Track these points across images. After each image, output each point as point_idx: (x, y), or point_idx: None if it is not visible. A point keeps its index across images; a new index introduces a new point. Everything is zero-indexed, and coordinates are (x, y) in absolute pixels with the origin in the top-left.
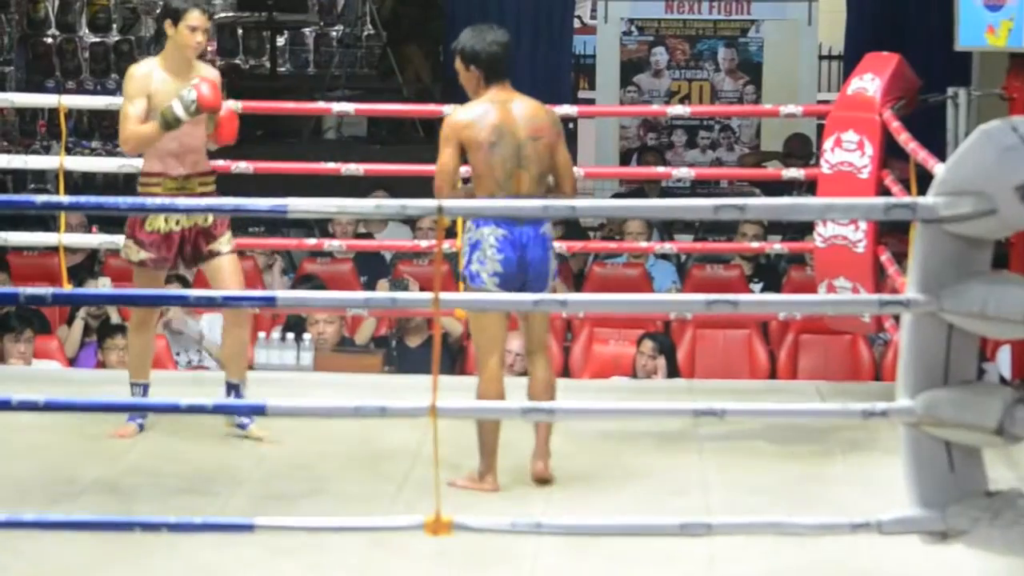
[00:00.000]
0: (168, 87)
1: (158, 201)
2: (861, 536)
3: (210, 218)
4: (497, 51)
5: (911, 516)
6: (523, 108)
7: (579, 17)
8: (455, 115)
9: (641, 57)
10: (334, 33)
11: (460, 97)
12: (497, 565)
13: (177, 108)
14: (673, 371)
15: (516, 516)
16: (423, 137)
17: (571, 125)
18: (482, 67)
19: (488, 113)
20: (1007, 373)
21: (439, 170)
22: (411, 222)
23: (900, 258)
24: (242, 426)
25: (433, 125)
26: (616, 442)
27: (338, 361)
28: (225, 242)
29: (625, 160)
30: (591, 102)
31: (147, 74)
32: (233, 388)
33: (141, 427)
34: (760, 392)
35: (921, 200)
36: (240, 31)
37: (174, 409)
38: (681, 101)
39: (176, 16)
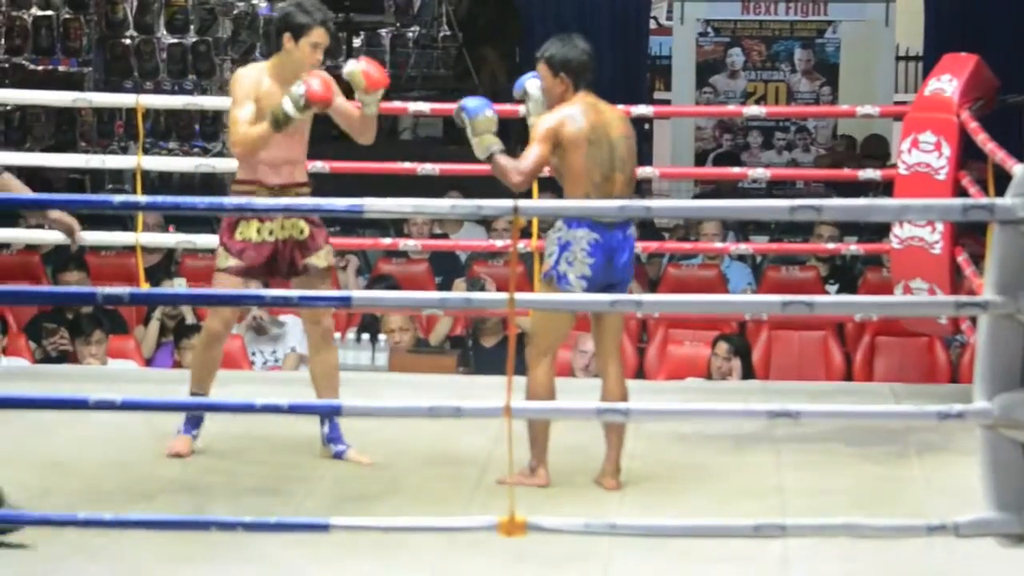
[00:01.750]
0: (274, 98)
1: (235, 201)
2: (937, 538)
3: (306, 231)
4: (586, 59)
5: (988, 518)
6: (610, 111)
7: (655, 18)
8: (555, 114)
9: (717, 58)
10: (410, 34)
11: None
12: (570, 566)
13: (287, 105)
14: (748, 372)
15: (590, 517)
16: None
17: (647, 126)
18: (572, 75)
19: (586, 114)
20: None
21: (530, 166)
22: (487, 222)
23: (977, 259)
24: (339, 454)
25: (508, 125)
26: (690, 443)
27: (413, 362)
28: (322, 256)
29: (701, 161)
30: (667, 103)
31: (256, 79)
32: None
33: (195, 437)
34: (835, 394)
35: (999, 201)
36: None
37: (249, 409)
38: (757, 102)
39: (298, 31)
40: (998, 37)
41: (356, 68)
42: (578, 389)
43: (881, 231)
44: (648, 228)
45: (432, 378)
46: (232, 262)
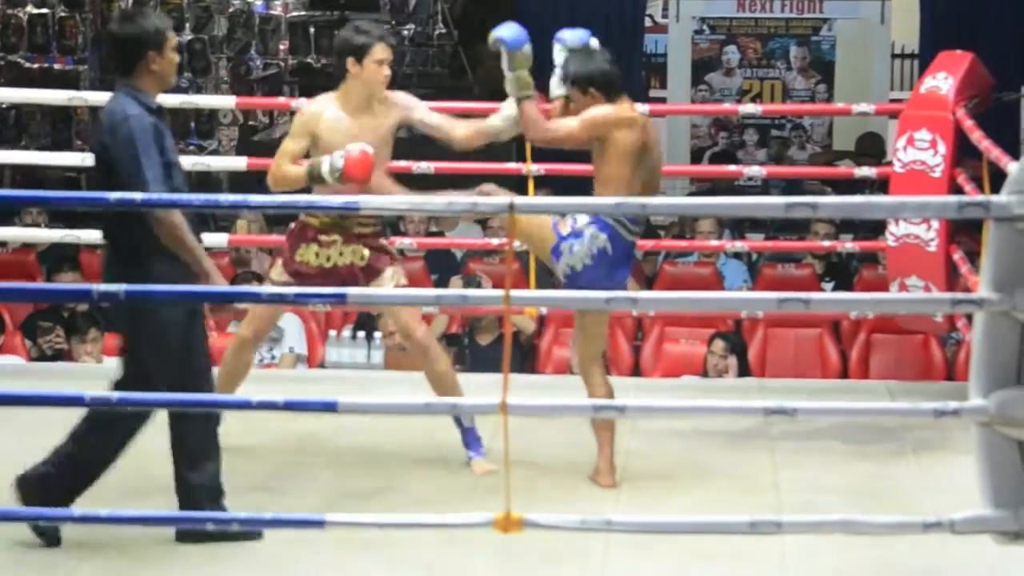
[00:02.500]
0: (341, 126)
1: (231, 198)
2: (933, 535)
3: (366, 256)
4: (608, 68)
5: (983, 516)
6: (650, 121)
7: (651, 16)
8: (615, 110)
9: (712, 56)
10: (406, 32)
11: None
12: (567, 562)
13: (324, 166)
14: (744, 370)
15: (586, 514)
16: None
17: None
18: (601, 88)
19: (645, 124)
20: None
21: (558, 136)
22: (482, 220)
23: (973, 257)
24: (468, 460)
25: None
26: (687, 441)
27: (409, 359)
28: (386, 280)
29: (696, 159)
30: (662, 101)
31: (316, 114)
32: (461, 424)
33: None
34: (831, 391)
35: (995, 198)
36: (312, 30)
37: (245, 405)
38: (753, 100)
39: (361, 52)
40: (993, 35)
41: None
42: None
43: (877, 229)
44: (644, 226)
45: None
46: (284, 278)
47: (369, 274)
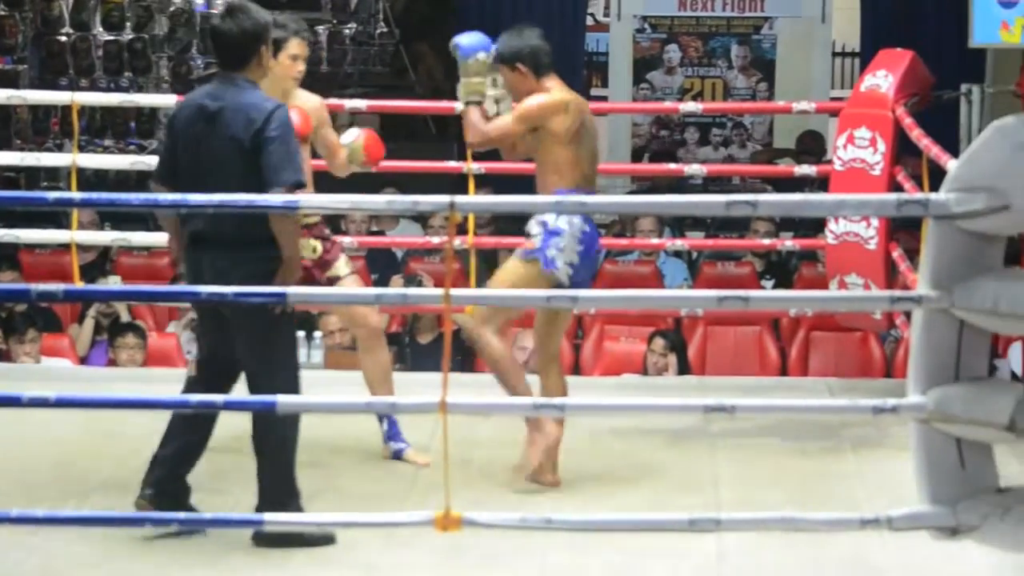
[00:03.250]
0: None
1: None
2: (871, 532)
3: (318, 248)
4: (537, 43)
5: (921, 512)
6: (583, 100)
7: (592, 14)
8: (543, 98)
9: (654, 54)
10: (347, 31)
11: None
12: (507, 561)
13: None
14: (684, 368)
15: (526, 512)
16: (435, 134)
17: None
18: (529, 63)
19: (578, 105)
20: (1018, 369)
21: (494, 136)
22: (423, 219)
23: (912, 255)
24: (397, 453)
25: (446, 122)
26: (627, 439)
27: (349, 359)
28: (342, 266)
29: (637, 157)
30: (604, 99)
31: None
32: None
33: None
34: (771, 389)
35: (933, 196)
36: None
37: (184, 405)
38: (694, 98)
39: (276, 45)
40: (934, 33)
41: (357, 143)
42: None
43: (816, 227)
44: None
45: None
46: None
47: (323, 266)
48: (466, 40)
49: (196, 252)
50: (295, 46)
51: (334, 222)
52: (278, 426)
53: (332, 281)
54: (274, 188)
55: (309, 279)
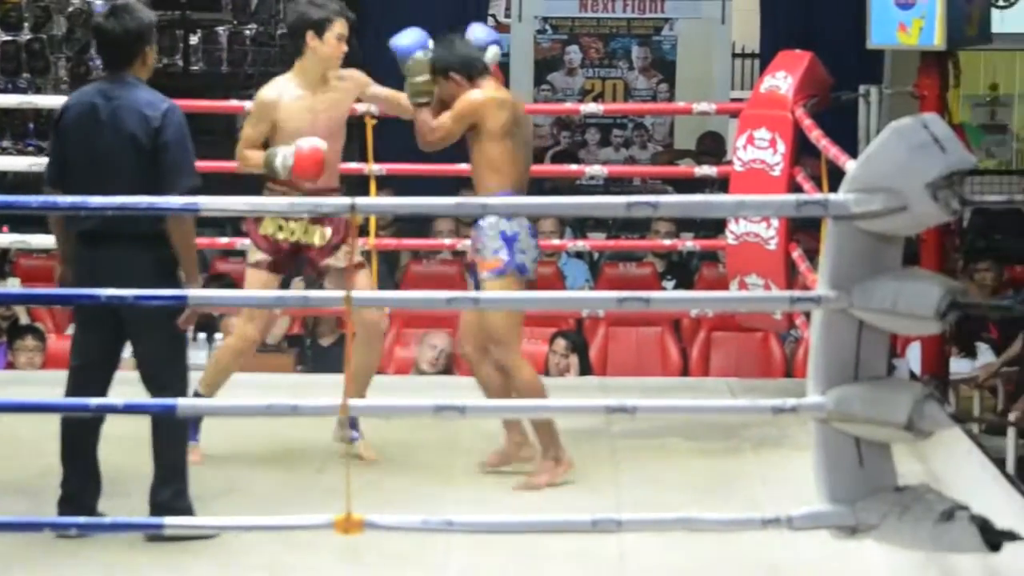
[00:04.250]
0: (303, 104)
1: (70, 200)
2: (772, 531)
3: (327, 235)
4: (466, 51)
5: (821, 511)
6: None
7: (493, 16)
8: (477, 95)
9: (555, 56)
10: (247, 32)
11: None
12: (409, 563)
13: (276, 160)
14: (585, 369)
15: (428, 514)
16: None
17: None
18: (461, 71)
19: (512, 102)
20: (917, 369)
21: (437, 138)
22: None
23: (812, 255)
24: (353, 439)
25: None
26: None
27: (249, 361)
28: (342, 256)
29: (539, 159)
30: None
31: (274, 100)
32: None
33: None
34: (672, 389)
35: (833, 197)
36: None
37: (83, 408)
38: (595, 99)
39: (320, 27)
40: (832, 35)
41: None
42: (426, 387)
43: (717, 227)
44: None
45: (269, 377)
46: (260, 256)
47: (327, 252)
48: (403, 40)
49: (90, 251)
50: (340, 25)
51: (235, 223)
52: (175, 427)
53: (328, 268)
54: (173, 194)
55: (316, 261)
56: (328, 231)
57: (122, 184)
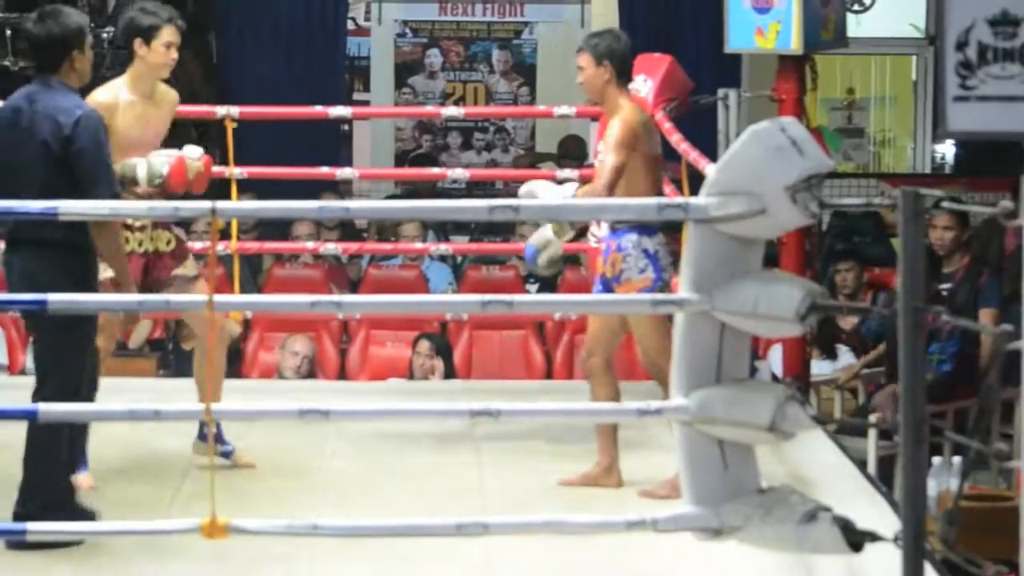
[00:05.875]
0: (135, 110)
1: None
2: (637, 534)
3: (172, 241)
4: (628, 54)
5: (686, 514)
6: None
7: (353, 19)
8: (627, 120)
9: (416, 59)
10: (105, 35)
11: (233, 101)
12: (274, 567)
13: (140, 171)
14: (450, 372)
15: (294, 518)
16: (197, 140)
17: (345, 127)
18: (615, 65)
19: (649, 121)
20: (779, 371)
21: (611, 180)
22: (186, 224)
23: (674, 258)
24: (226, 454)
25: (205, 128)
26: (394, 443)
27: (111, 365)
28: (190, 266)
29: (400, 162)
30: (366, 104)
31: (111, 104)
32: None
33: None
34: (536, 392)
35: (693, 200)
36: (8, 32)
37: None
38: (456, 103)
39: (149, 34)
40: (691, 38)
41: (163, 168)
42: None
43: (579, 230)
44: (348, 229)
45: (132, 381)
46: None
47: (174, 259)
48: (530, 252)
49: (5, 255)
50: (169, 33)
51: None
52: (48, 432)
53: (175, 278)
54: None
55: (160, 269)
56: (172, 237)
57: (33, 190)
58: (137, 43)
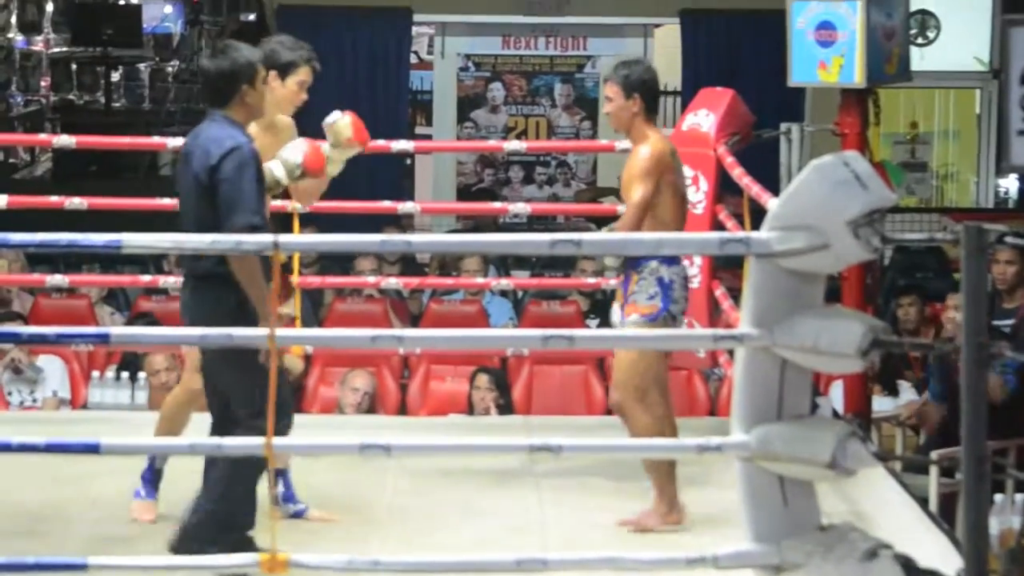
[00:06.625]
0: (258, 142)
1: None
2: (697, 571)
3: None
4: (657, 86)
5: (746, 551)
6: None
7: (416, 52)
8: (654, 150)
9: (478, 93)
10: (169, 69)
11: (301, 130)
12: None
13: (277, 171)
14: (509, 407)
15: (354, 554)
16: None
17: (408, 161)
18: (646, 97)
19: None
20: (840, 407)
21: (644, 208)
22: None
23: (734, 293)
24: (298, 514)
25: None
26: (454, 479)
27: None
28: (290, 307)
29: (462, 196)
30: (428, 138)
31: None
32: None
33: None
34: (596, 428)
35: (755, 235)
36: (74, 66)
37: (5, 448)
38: (518, 137)
39: (286, 70)
40: (754, 72)
41: (342, 120)
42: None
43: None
44: (410, 263)
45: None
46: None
47: (283, 297)
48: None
49: (181, 289)
50: (304, 73)
51: (157, 260)
52: (221, 466)
53: (285, 318)
54: (226, 231)
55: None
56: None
57: (190, 222)
58: (272, 75)
